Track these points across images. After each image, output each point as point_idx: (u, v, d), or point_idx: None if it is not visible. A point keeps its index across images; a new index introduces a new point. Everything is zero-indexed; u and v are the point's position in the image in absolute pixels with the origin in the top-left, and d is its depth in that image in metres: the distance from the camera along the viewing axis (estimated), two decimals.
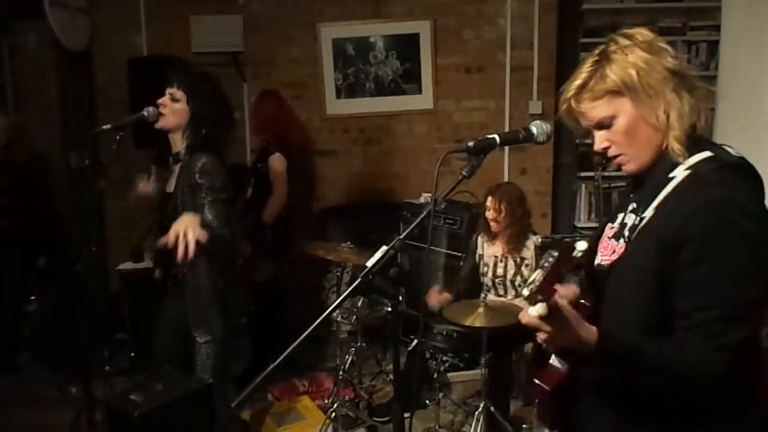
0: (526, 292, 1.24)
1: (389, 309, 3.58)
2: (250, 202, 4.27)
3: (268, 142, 4.25)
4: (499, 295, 3.54)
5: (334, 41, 5.00)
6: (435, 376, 3.49)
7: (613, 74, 1.36)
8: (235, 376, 2.85)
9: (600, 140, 1.43)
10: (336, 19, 4.98)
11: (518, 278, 3.47)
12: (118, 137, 2.59)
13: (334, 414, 3.45)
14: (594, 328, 1.34)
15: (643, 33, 1.39)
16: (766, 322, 1.37)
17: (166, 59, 4.60)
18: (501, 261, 3.51)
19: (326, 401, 3.78)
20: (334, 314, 3.42)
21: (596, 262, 1.54)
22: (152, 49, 5.07)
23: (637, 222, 1.41)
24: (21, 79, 4.84)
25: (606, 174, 4.84)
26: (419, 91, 5.05)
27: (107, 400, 2.75)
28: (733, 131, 3.17)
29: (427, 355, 3.63)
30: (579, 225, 5.11)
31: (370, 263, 1.51)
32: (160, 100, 2.60)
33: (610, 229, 1.54)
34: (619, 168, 1.48)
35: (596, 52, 1.42)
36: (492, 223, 3.46)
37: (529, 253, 3.47)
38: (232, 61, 5.04)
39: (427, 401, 3.64)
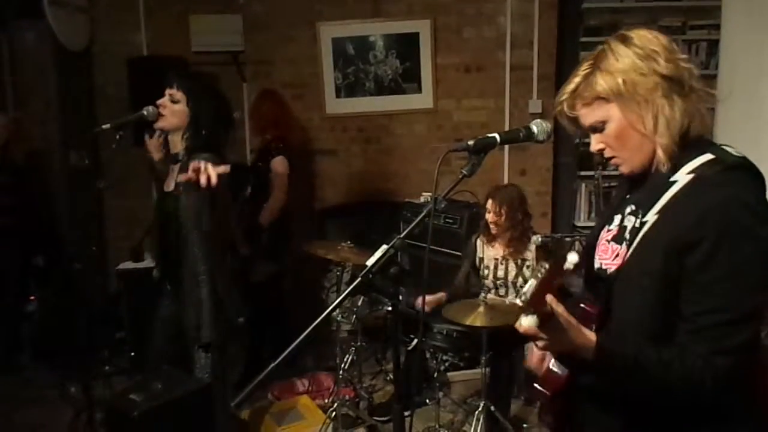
0: (519, 302, 1.25)
1: (389, 308, 3.58)
2: (248, 201, 4.27)
3: (269, 142, 4.25)
4: (501, 296, 3.53)
5: (333, 40, 5.00)
6: (435, 375, 3.48)
7: (601, 81, 1.37)
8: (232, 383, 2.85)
9: (595, 143, 1.45)
10: (336, 18, 4.98)
11: (520, 279, 3.47)
12: (117, 136, 2.59)
13: (334, 413, 3.44)
14: (592, 334, 1.34)
15: (641, 35, 1.38)
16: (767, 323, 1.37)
17: (165, 59, 4.60)
18: (501, 263, 3.51)
19: (326, 401, 3.78)
20: (334, 313, 3.42)
21: (595, 266, 1.53)
22: (152, 49, 5.07)
23: (638, 225, 1.40)
24: (20, 78, 4.83)
25: (606, 173, 4.84)
26: (419, 90, 5.05)
27: (107, 400, 2.75)
28: (733, 131, 3.16)
29: (428, 355, 3.63)
30: (579, 224, 5.11)
31: (369, 262, 1.50)
32: (159, 101, 2.60)
33: (607, 232, 1.52)
34: (617, 168, 1.48)
35: (591, 55, 1.42)
36: (492, 226, 3.45)
37: (530, 254, 3.46)
38: (232, 60, 5.04)
39: (428, 400, 3.63)
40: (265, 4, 5.01)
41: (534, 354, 1.65)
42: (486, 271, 3.55)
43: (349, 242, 3.59)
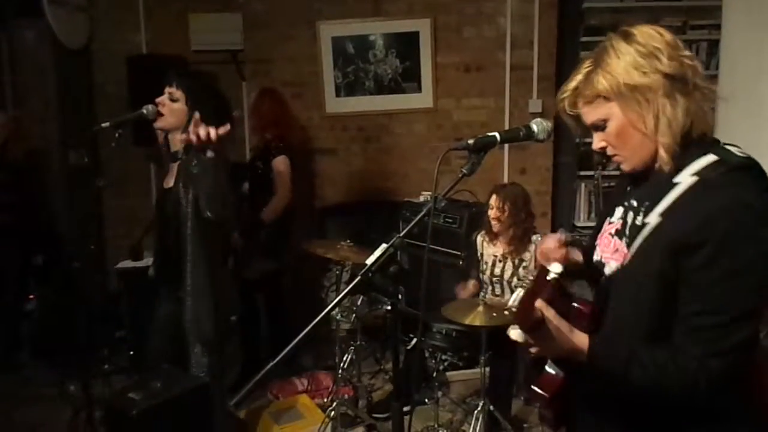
0: (509, 311, 1.27)
1: (388, 307, 3.58)
2: (245, 198, 4.26)
3: (268, 141, 4.24)
4: (496, 295, 3.53)
5: (333, 39, 4.99)
6: (434, 374, 3.48)
7: (602, 79, 1.35)
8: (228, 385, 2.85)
9: (597, 141, 1.44)
10: (335, 17, 4.98)
11: (515, 279, 3.47)
12: (116, 135, 2.59)
13: (333, 412, 3.44)
14: (585, 337, 1.34)
15: (643, 31, 1.36)
16: (766, 323, 1.36)
17: (165, 57, 4.60)
18: (500, 261, 3.51)
19: (325, 400, 3.77)
20: (334, 312, 3.42)
21: (595, 258, 1.53)
22: (151, 47, 5.07)
23: (639, 224, 1.39)
24: (20, 76, 4.83)
25: (606, 173, 4.84)
26: (419, 89, 5.04)
27: (106, 399, 2.75)
28: (733, 130, 3.16)
29: (427, 354, 3.63)
30: (579, 224, 5.11)
31: (369, 261, 1.50)
32: (158, 100, 2.60)
33: (609, 225, 1.52)
34: (618, 167, 1.47)
35: (593, 52, 1.41)
36: (493, 222, 3.45)
37: (528, 254, 3.46)
38: (232, 59, 5.04)
39: (427, 400, 3.63)
40: (264, 2, 5.00)
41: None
42: (484, 267, 3.55)
43: (348, 241, 3.59)
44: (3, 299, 4.41)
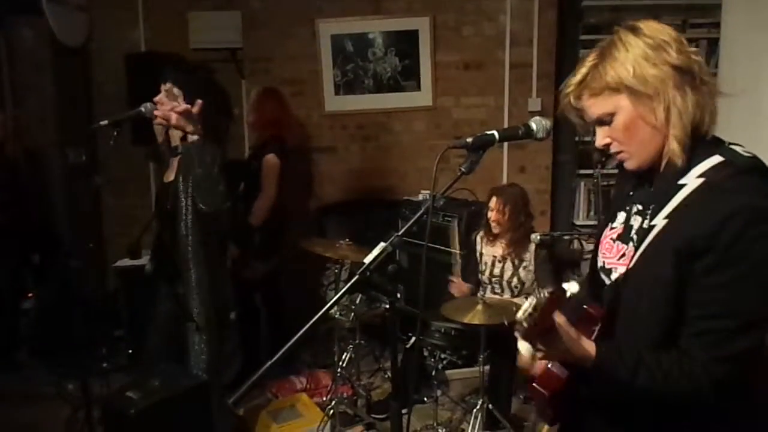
0: (516, 319, 1.26)
1: (387, 306, 3.57)
2: (241, 198, 4.23)
3: (265, 140, 4.20)
4: (495, 294, 3.53)
5: (332, 37, 4.98)
6: (433, 373, 3.48)
7: (611, 71, 1.33)
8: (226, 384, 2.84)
9: (601, 137, 1.40)
10: (335, 15, 4.97)
11: (515, 279, 3.47)
12: (114, 133, 2.58)
13: (332, 411, 3.44)
14: (592, 345, 1.33)
15: (650, 26, 1.35)
16: None
17: (163, 56, 4.58)
18: (499, 261, 3.50)
19: (324, 398, 3.77)
20: (333, 311, 3.42)
21: (598, 263, 1.52)
22: (150, 46, 5.06)
23: (646, 227, 1.37)
24: (18, 75, 4.82)
25: (605, 171, 4.83)
26: (418, 87, 5.03)
27: (104, 397, 2.74)
28: (732, 129, 3.16)
29: (426, 353, 3.62)
30: (578, 223, 5.10)
31: (367, 260, 1.50)
32: (156, 98, 2.59)
33: (611, 230, 1.50)
34: (617, 166, 1.46)
35: (599, 46, 1.39)
36: (493, 224, 3.44)
37: (528, 255, 3.45)
38: (231, 57, 5.03)
39: (426, 398, 3.63)
40: (263, 0, 4.99)
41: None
42: (483, 267, 3.55)
43: (347, 240, 3.59)
44: (1, 298, 4.40)
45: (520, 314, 1.25)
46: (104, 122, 2.59)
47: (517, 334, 1.30)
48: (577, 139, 4.88)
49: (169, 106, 2.41)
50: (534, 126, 1.57)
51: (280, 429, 3.45)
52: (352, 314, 3.57)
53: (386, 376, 4.00)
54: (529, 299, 1.25)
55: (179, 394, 2.35)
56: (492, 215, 3.44)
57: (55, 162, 4.81)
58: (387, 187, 5.13)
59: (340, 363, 3.64)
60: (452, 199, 4.20)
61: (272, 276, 4.24)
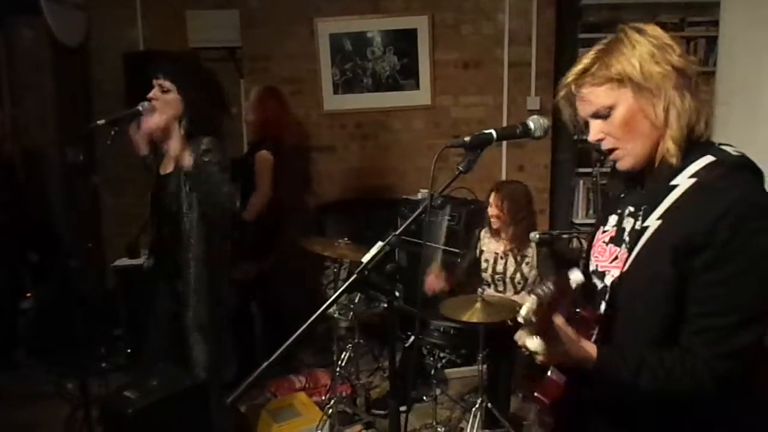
0: (521, 319, 1.24)
1: (385, 305, 3.57)
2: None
3: (261, 137, 4.18)
4: (499, 291, 3.53)
5: (331, 36, 4.98)
6: (432, 372, 3.48)
7: (617, 64, 1.33)
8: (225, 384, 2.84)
9: (596, 131, 1.40)
10: (333, 14, 4.96)
11: (518, 275, 3.46)
12: (112, 132, 2.59)
13: (331, 410, 3.44)
14: (593, 347, 1.33)
15: (653, 28, 1.37)
16: None
17: (162, 54, 4.57)
18: (502, 258, 3.49)
19: (323, 397, 3.77)
20: (331, 310, 3.41)
21: (591, 267, 1.52)
22: (148, 44, 5.05)
23: (639, 229, 1.37)
24: (16, 74, 4.81)
25: (604, 170, 4.83)
26: (417, 86, 5.03)
27: (103, 397, 2.74)
28: (731, 127, 3.16)
29: (425, 352, 3.62)
30: (577, 221, 5.10)
31: (365, 259, 1.50)
32: (150, 94, 2.59)
33: (603, 233, 1.50)
34: (610, 168, 1.46)
35: (605, 40, 1.39)
36: (493, 219, 3.43)
37: (530, 251, 3.45)
38: (229, 56, 5.02)
39: (425, 397, 3.63)
40: None
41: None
42: (485, 264, 3.54)
43: (346, 239, 3.58)
44: (0, 297, 4.40)
45: (524, 312, 1.23)
46: (101, 121, 2.59)
47: (523, 332, 1.29)
48: (575, 137, 4.88)
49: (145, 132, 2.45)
50: (532, 125, 1.56)
51: (279, 428, 3.44)
52: (351, 313, 3.56)
53: (385, 375, 4.00)
54: (530, 297, 1.24)
55: (177, 393, 2.35)
56: (491, 211, 3.43)
57: (53, 161, 4.81)
58: (386, 186, 5.13)
59: (339, 362, 3.64)
60: (452, 197, 4.19)
61: (266, 277, 4.20)
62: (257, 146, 4.09)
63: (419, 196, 4.74)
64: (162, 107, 2.60)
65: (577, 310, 1.43)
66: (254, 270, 4.03)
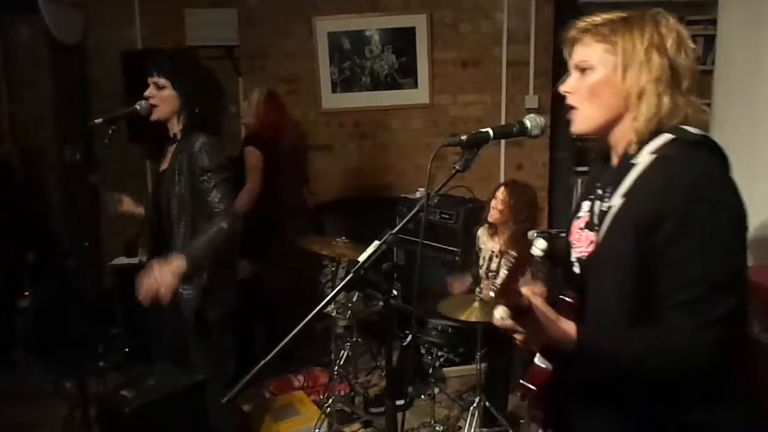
0: (492, 294, 1.25)
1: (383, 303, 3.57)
2: None
3: (265, 140, 4.14)
4: (492, 288, 3.52)
5: (329, 35, 4.97)
6: (430, 371, 3.48)
7: (627, 33, 1.36)
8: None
9: (568, 83, 1.44)
10: (331, 12, 4.96)
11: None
12: (110, 131, 2.59)
13: (329, 409, 3.44)
14: (572, 325, 1.32)
15: (682, 25, 1.40)
16: (759, 317, 1.36)
17: (156, 52, 4.56)
18: (496, 257, 3.49)
19: (321, 396, 3.77)
20: (329, 309, 3.42)
21: (573, 257, 1.53)
22: (146, 43, 5.04)
23: (605, 209, 1.39)
24: (14, 72, 4.81)
25: None
26: (415, 85, 5.03)
27: (100, 396, 2.74)
28: (729, 125, 3.16)
29: (423, 350, 3.62)
30: None
31: (361, 258, 1.50)
32: (146, 93, 2.59)
33: (578, 220, 1.53)
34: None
35: (634, 12, 1.41)
36: (493, 211, 3.40)
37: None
38: (227, 54, 5.01)
39: (423, 396, 3.63)
40: None
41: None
42: (481, 261, 3.54)
43: (344, 238, 3.58)
44: None
45: (500, 279, 1.23)
46: (99, 120, 2.59)
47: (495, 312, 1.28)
48: (574, 136, 4.87)
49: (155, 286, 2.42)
50: (528, 123, 1.56)
51: (277, 427, 3.45)
52: (349, 312, 3.57)
53: (383, 373, 4.00)
54: (503, 271, 1.24)
55: (174, 393, 2.34)
56: (494, 203, 3.40)
57: (51, 160, 4.80)
58: (384, 185, 5.13)
59: (338, 361, 3.64)
60: (450, 196, 4.19)
61: (264, 275, 4.18)
62: (246, 143, 4.06)
63: (417, 194, 4.74)
64: (159, 105, 2.60)
65: (561, 296, 1.43)
66: (252, 269, 4.02)
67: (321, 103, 5.08)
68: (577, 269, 1.50)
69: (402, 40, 4.97)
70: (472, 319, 2.97)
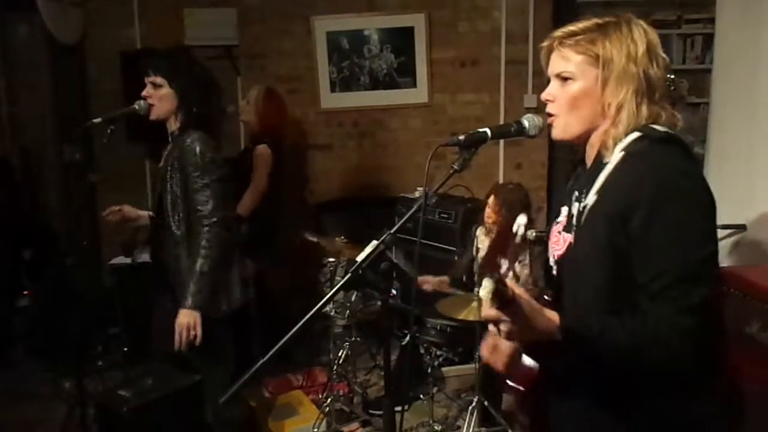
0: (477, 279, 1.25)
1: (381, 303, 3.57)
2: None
3: (264, 138, 4.15)
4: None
5: (328, 34, 4.97)
6: (429, 370, 3.48)
7: (604, 45, 1.38)
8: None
9: (549, 91, 1.46)
10: (330, 12, 4.95)
11: (510, 274, 3.44)
12: (108, 131, 2.59)
13: (328, 408, 3.44)
14: (555, 315, 1.32)
15: (653, 32, 1.43)
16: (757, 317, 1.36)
17: (151, 51, 4.56)
18: None
19: (320, 396, 3.77)
20: (327, 309, 3.42)
21: (551, 260, 1.55)
22: (145, 42, 5.04)
23: (581, 210, 1.42)
24: (13, 72, 4.80)
25: None
26: (414, 84, 5.03)
27: (98, 395, 2.74)
28: (728, 124, 3.16)
29: (421, 350, 3.62)
30: None
31: (359, 258, 1.50)
32: (144, 93, 2.59)
33: (557, 224, 1.55)
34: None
35: (607, 18, 1.44)
36: (487, 220, 3.43)
37: (525, 251, 3.43)
38: (226, 54, 5.02)
39: (421, 395, 3.63)
40: None
41: (486, 343, 1.62)
42: (480, 261, 3.53)
43: (343, 237, 3.58)
44: None
45: (483, 294, 1.22)
46: (97, 120, 2.60)
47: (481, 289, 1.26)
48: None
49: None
50: (526, 123, 1.56)
51: (276, 426, 3.45)
52: (348, 312, 3.57)
53: (382, 373, 3.99)
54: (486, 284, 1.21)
55: (172, 392, 2.35)
56: (487, 211, 3.43)
57: (50, 159, 4.80)
58: (383, 184, 5.13)
59: (336, 360, 3.65)
60: (449, 196, 4.19)
61: (263, 274, 4.19)
62: (256, 142, 4.07)
63: (416, 194, 4.74)
64: (157, 104, 2.60)
65: (544, 296, 1.44)
66: (252, 268, 4.02)
67: (320, 103, 5.08)
68: (554, 271, 1.52)
69: (400, 40, 4.97)
70: (471, 318, 2.97)
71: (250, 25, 4.96)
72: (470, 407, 3.19)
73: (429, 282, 3.54)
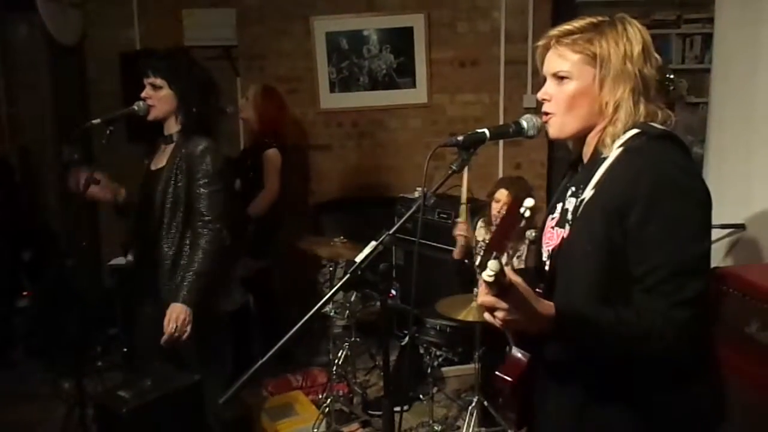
0: (479, 259, 1.24)
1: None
2: (237, 195, 4.20)
3: (264, 136, 4.17)
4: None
5: (327, 35, 4.97)
6: (429, 370, 3.48)
7: (601, 44, 1.39)
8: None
9: (545, 90, 1.47)
10: (329, 12, 4.96)
11: (507, 268, 3.42)
12: (108, 131, 2.58)
13: (327, 409, 3.44)
14: (551, 303, 1.32)
15: (646, 31, 1.43)
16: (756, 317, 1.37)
17: (150, 52, 4.57)
18: None
19: (320, 396, 3.77)
20: (327, 309, 3.42)
21: (544, 255, 1.55)
22: (144, 43, 5.04)
23: (577, 204, 1.43)
24: (12, 73, 4.80)
25: None
26: (413, 85, 5.03)
27: (98, 396, 2.74)
28: (727, 124, 3.16)
29: (421, 350, 3.62)
30: None
31: (358, 258, 1.50)
32: (143, 94, 2.59)
33: (551, 220, 1.55)
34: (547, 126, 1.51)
35: (602, 18, 1.45)
36: (495, 215, 3.34)
37: (524, 246, 3.43)
38: (225, 54, 5.02)
39: (421, 396, 3.63)
40: None
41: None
42: (477, 256, 3.52)
43: (342, 237, 3.58)
44: None
45: (485, 276, 1.20)
46: (97, 121, 2.59)
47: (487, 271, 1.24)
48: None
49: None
50: (525, 124, 1.56)
51: (275, 427, 3.45)
52: (347, 312, 3.57)
53: (382, 373, 3.99)
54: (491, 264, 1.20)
55: (171, 393, 2.34)
56: (496, 207, 3.32)
57: (49, 160, 4.80)
58: (383, 185, 5.13)
59: (336, 361, 3.65)
60: (448, 196, 4.18)
61: (263, 275, 4.21)
62: (262, 144, 4.09)
63: (416, 194, 4.74)
64: (156, 105, 2.60)
65: (537, 290, 1.44)
66: (252, 267, 4.03)
67: (319, 103, 5.08)
68: (547, 267, 1.52)
69: (400, 40, 4.97)
70: (471, 318, 2.97)
71: (249, 25, 4.97)
72: (470, 407, 3.19)
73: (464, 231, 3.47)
